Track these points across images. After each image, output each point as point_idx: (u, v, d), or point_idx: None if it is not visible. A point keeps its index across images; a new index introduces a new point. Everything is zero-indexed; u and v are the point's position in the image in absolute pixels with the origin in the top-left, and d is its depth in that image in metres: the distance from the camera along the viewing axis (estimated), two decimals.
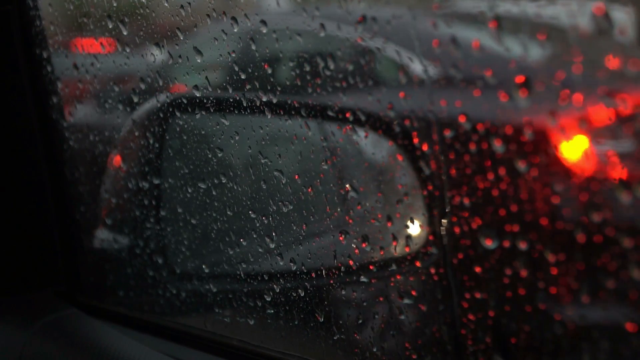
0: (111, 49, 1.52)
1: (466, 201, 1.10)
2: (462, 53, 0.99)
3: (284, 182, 1.34)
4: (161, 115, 1.56)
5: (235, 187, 1.44)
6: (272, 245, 1.40)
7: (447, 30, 1.01)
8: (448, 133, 1.07)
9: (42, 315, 1.71)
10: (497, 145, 1.02)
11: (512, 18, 0.94)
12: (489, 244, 1.07)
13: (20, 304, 1.78)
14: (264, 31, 1.23)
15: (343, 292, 1.32)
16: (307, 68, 1.20)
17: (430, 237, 1.20)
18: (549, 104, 0.93)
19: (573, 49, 0.89)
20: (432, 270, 1.18)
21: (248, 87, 1.29)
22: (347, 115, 1.19)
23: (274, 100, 1.29)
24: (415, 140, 1.15)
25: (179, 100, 1.51)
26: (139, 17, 1.42)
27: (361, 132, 1.21)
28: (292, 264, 1.37)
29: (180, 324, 1.66)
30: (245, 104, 1.33)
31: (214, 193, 1.48)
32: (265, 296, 1.43)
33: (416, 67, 1.06)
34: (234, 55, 1.31)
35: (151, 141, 1.61)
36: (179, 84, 1.46)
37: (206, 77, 1.38)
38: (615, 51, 0.87)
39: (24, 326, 1.69)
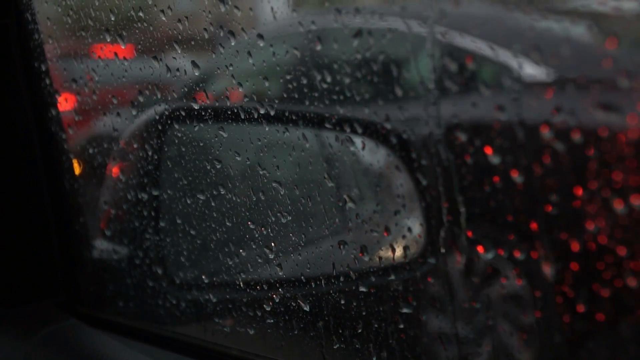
0: (130, 56, 1.50)
1: (463, 211, 1.11)
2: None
3: (282, 192, 1.35)
4: (159, 126, 1.57)
5: (234, 198, 1.45)
6: (271, 256, 1.41)
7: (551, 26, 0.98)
8: (445, 144, 1.08)
9: (42, 326, 1.72)
10: (493, 155, 1.03)
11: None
12: (485, 253, 1.09)
13: (20, 315, 1.78)
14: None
15: (342, 302, 1.33)
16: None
17: (428, 247, 1.21)
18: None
19: None
20: (430, 280, 1.20)
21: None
22: (347, 125, 1.20)
23: (272, 112, 1.30)
24: (413, 151, 1.16)
25: (177, 112, 1.52)
26: (137, 31, 1.43)
27: (359, 143, 1.22)
28: (291, 274, 1.38)
29: (180, 333, 1.66)
30: (243, 115, 1.34)
31: (212, 204, 1.49)
32: (265, 306, 1.44)
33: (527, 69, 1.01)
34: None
35: (149, 152, 1.61)
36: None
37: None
38: None
39: (24, 337, 1.70)
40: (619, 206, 0.91)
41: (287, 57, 1.22)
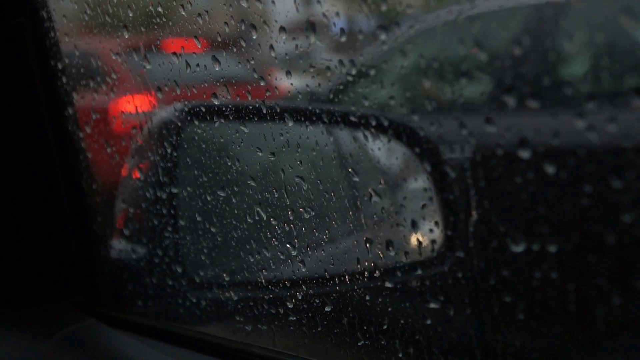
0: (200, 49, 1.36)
1: (492, 204, 1.10)
2: None
3: (305, 188, 1.33)
4: (178, 123, 1.56)
5: (255, 195, 1.43)
6: (293, 252, 1.39)
7: None
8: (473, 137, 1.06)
9: (61, 326, 1.71)
10: (523, 149, 1.01)
11: None
12: (516, 247, 1.07)
13: (38, 315, 1.78)
14: None
15: (367, 298, 1.31)
16: None
17: (456, 241, 1.20)
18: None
19: None
20: (459, 274, 1.18)
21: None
22: (370, 120, 1.18)
23: (294, 107, 1.29)
24: (439, 145, 1.15)
25: (196, 109, 1.51)
26: (156, 27, 1.42)
27: (384, 138, 1.21)
28: (314, 271, 1.36)
29: (201, 332, 1.65)
30: (265, 111, 1.33)
31: (233, 200, 1.47)
32: (288, 303, 1.42)
33: None
34: None
35: (168, 150, 1.60)
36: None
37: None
38: None
39: (43, 338, 1.69)
40: None
41: None
